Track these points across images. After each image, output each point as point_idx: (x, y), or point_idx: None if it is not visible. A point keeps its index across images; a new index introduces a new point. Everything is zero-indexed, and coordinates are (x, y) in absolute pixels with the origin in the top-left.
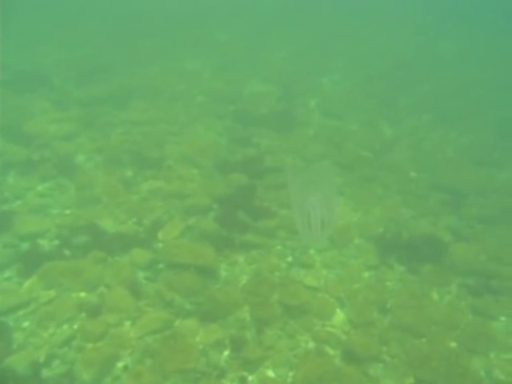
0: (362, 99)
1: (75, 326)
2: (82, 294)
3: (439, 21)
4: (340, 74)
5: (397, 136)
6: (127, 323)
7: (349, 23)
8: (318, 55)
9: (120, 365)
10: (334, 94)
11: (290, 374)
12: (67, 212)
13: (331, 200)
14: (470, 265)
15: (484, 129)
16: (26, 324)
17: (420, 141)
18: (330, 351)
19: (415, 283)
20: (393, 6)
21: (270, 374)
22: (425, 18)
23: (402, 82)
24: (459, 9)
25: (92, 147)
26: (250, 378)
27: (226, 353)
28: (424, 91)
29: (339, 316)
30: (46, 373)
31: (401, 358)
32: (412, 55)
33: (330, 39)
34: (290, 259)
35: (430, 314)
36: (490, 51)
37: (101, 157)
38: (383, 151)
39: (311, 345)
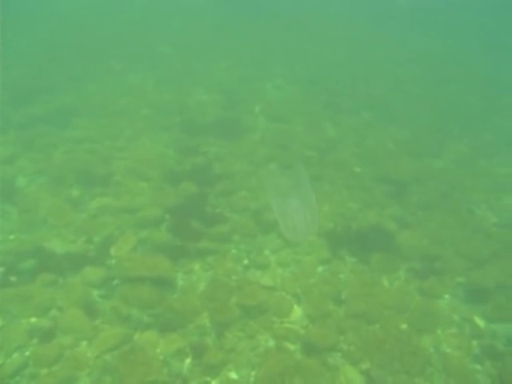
0: (305, 102)
1: (27, 353)
2: (33, 320)
3: (375, 24)
4: (282, 79)
5: (340, 134)
6: (83, 343)
7: (288, 31)
8: (260, 63)
9: None
10: (278, 98)
11: (253, 373)
12: (11, 237)
13: (309, 199)
14: (415, 250)
15: (420, 122)
16: None
17: (362, 137)
18: (290, 346)
19: (366, 272)
20: (330, 11)
21: (233, 376)
22: (361, 22)
23: (342, 84)
24: (392, 11)
25: (33, 169)
26: (214, 382)
27: (188, 360)
28: (363, 91)
29: (297, 312)
30: None
31: (357, 345)
32: (350, 58)
33: (271, 47)
34: (245, 262)
35: (381, 300)
36: (421, 50)
37: (44, 178)
38: (328, 150)
39: (271, 343)
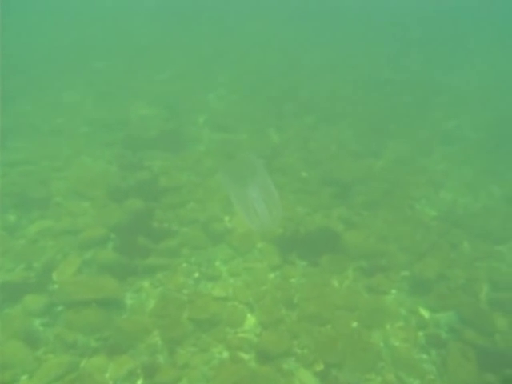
0: (249, 110)
1: None
2: None
3: (308, 33)
4: (225, 88)
5: (284, 140)
6: (24, 377)
7: (223, 38)
8: (201, 73)
9: None
10: (221, 108)
11: None
12: None
13: (267, 186)
14: (362, 248)
15: (360, 124)
16: None
17: (306, 142)
18: (244, 356)
19: (317, 275)
20: (266, 19)
21: None
22: (293, 31)
23: (283, 90)
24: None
25: None
26: None
27: (140, 382)
28: (304, 96)
29: (250, 320)
30: None
31: (310, 348)
32: (288, 65)
33: (211, 57)
34: (196, 275)
35: (332, 300)
36: (357, 53)
37: None
38: (274, 156)
39: (225, 354)
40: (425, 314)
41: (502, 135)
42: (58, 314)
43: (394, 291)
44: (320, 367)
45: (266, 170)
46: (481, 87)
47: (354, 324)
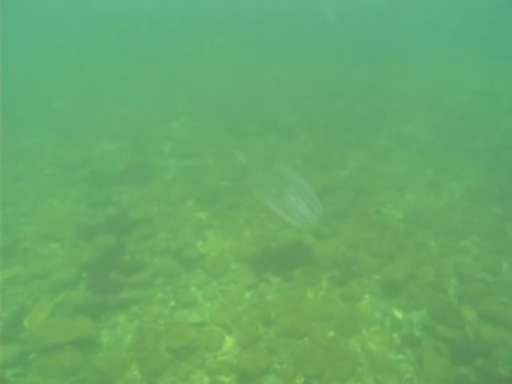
0: (213, 134)
1: None
2: None
3: (265, 52)
4: (187, 115)
5: (250, 160)
6: None
7: (180, 67)
8: (161, 102)
9: None
10: (185, 135)
11: None
12: None
13: (301, 186)
14: (333, 258)
15: (321, 137)
16: None
17: (271, 159)
18: (225, 379)
19: (291, 289)
20: (215, 47)
21: None
22: (251, 50)
23: (243, 111)
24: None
25: None
26: None
27: None
28: (263, 115)
29: (228, 342)
30: None
31: (289, 362)
32: (245, 85)
33: (168, 85)
34: (172, 303)
35: (308, 312)
36: (305, 70)
37: None
38: (241, 177)
39: (206, 380)
40: (398, 315)
41: (454, 133)
42: (31, 362)
43: (367, 296)
44: (300, 380)
45: (295, 172)
46: (429, 89)
47: (331, 333)
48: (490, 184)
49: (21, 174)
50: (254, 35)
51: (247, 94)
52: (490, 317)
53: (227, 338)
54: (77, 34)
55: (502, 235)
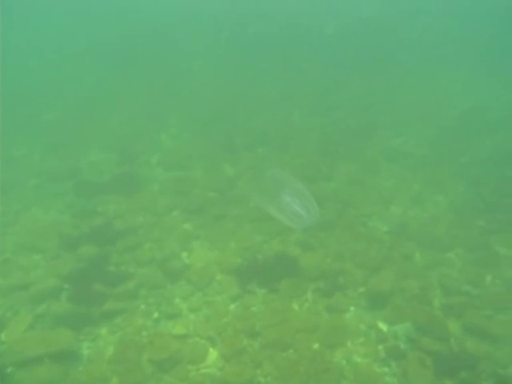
0: (202, 146)
1: None
2: None
3: (260, 65)
4: (177, 127)
5: (238, 172)
6: None
7: (172, 80)
8: (151, 114)
9: None
10: (174, 147)
11: None
12: None
13: (297, 188)
14: (319, 269)
15: (310, 150)
16: None
17: (259, 171)
18: None
19: (277, 301)
20: (207, 59)
21: None
22: (246, 62)
23: (233, 124)
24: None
25: None
26: None
27: None
28: (254, 128)
29: (212, 355)
30: None
31: (273, 375)
32: (237, 99)
33: (159, 97)
34: (156, 315)
35: (293, 324)
36: (298, 83)
37: None
38: (229, 188)
39: None
40: (383, 327)
41: (443, 148)
42: (8, 377)
43: (352, 308)
44: None
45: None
46: (422, 104)
47: (316, 345)
48: (475, 198)
49: (6, 185)
50: (250, 48)
51: (239, 108)
52: (474, 329)
53: (211, 350)
54: (72, 43)
55: (485, 248)
